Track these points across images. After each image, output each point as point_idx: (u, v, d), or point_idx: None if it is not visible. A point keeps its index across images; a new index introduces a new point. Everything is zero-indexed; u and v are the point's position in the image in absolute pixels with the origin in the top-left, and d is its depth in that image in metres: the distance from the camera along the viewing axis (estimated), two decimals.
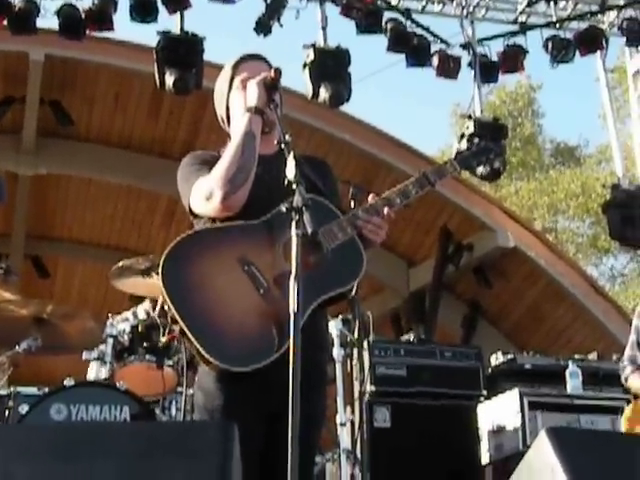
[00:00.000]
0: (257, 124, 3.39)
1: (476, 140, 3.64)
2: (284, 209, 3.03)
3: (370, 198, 3.55)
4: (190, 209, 3.46)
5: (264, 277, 3.24)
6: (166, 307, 3.22)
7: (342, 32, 9.72)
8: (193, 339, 3.12)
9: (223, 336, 3.16)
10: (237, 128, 3.41)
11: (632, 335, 5.77)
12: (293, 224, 3.00)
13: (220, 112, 3.69)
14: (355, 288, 4.49)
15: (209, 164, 3.45)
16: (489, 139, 3.67)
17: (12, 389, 5.28)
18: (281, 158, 3.26)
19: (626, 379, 5.73)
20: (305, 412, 2.83)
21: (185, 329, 3.13)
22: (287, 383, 2.83)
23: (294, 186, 3.08)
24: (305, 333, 2.92)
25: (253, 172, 3.34)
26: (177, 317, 3.14)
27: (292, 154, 3.17)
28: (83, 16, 8.70)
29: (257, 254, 3.29)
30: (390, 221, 3.47)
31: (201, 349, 3.11)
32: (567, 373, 6.67)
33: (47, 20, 8.76)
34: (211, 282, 3.24)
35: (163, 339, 5.68)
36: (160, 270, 3.20)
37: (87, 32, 8.81)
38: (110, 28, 8.86)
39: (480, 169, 9.31)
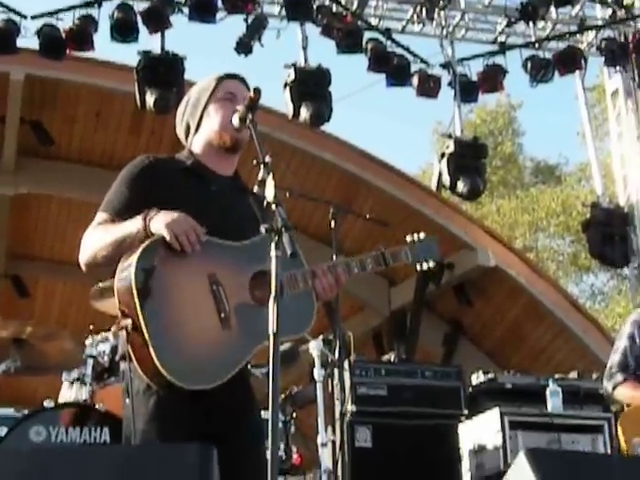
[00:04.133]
0: (139, 239, 3.26)
1: (421, 237, 3.88)
2: (263, 230, 3.03)
3: (334, 259, 3.70)
4: None
5: (228, 302, 3.24)
6: (124, 297, 3.18)
7: (322, 52, 9.77)
8: (148, 339, 3.09)
9: (176, 347, 3.14)
10: (133, 226, 3.29)
11: (624, 342, 5.40)
12: (272, 245, 3.01)
13: (190, 120, 3.64)
14: (337, 305, 4.59)
15: (135, 190, 3.42)
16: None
17: None
18: (236, 182, 3.56)
19: (615, 387, 5.34)
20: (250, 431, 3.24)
21: (143, 327, 3.10)
22: (227, 406, 3.21)
23: (273, 207, 3.08)
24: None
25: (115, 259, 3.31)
26: (137, 309, 3.12)
27: (272, 175, 3.17)
28: (63, 36, 8.74)
29: (226, 277, 3.27)
30: (341, 287, 3.57)
31: (153, 351, 3.09)
32: (547, 392, 6.67)
33: (27, 40, 8.77)
34: (179, 288, 3.22)
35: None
36: (135, 261, 3.17)
37: (67, 52, 8.83)
38: (90, 48, 8.90)
39: (460, 186, 9.32)
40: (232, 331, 3.22)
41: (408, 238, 3.89)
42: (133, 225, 3.29)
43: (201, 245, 3.26)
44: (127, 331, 3.15)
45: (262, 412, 3.48)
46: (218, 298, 3.23)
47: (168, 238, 3.20)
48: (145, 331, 3.10)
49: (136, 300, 3.13)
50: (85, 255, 3.43)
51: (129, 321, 3.14)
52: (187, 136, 3.68)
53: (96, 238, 3.40)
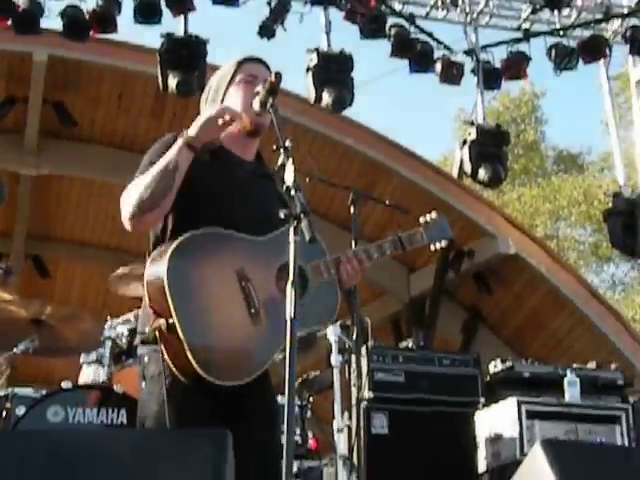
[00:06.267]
0: (186, 156, 3.35)
1: (433, 217, 4.02)
2: (282, 215, 3.03)
3: (353, 244, 3.76)
4: None
5: (257, 297, 3.27)
6: (156, 297, 3.18)
7: (345, 37, 9.73)
8: (184, 339, 3.10)
9: (211, 346, 3.16)
10: (170, 151, 3.37)
11: None
12: (291, 230, 3.00)
13: (211, 106, 3.63)
14: (356, 291, 4.63)
15: None
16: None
17: (9, 390, 5.26)
18: (257, 169, 3.58)
19: None
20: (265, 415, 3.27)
21: (178, 328, 3.11)
22: (241, 391, 3.18)
23: (292, 192, 3.07)
24: None
25: (168, 199, 3.32)
26: (172, 311, 3.12)
27: (291, 160, 3.16)
28: (87, 17, 8.72)
29: (254, 272, 3.31)
30: (363, 272, 3.63)
31: (187, 350, 3.10)
32: (565, 382, 6.64)
33: (51, 21, 8.78)
34: (209, 287, 3.24)
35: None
36: (167, 261, 3.17)
37: (91, 33, 8.82)
38: (114, 30, 8.88)
39: (482, 174, 9.28)
40: (262, 326, 3.25)
41: (421, 219, 3.96)
42: (171, 151, 3.35)
43: (226, 240, 3.32)
44: (160, 331, 3.16)
45: (279, 397, 3.50)
46: (247, 294, 3.26)
47: (210, 124, 3.37)
48: (181, 332, 3.11)
49: (170, 302, 3.14)
50: (129, 205, 3.33)
51: (162, 321, 3.15)
52: None
53: (136, 185, 3.37)
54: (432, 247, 3.97)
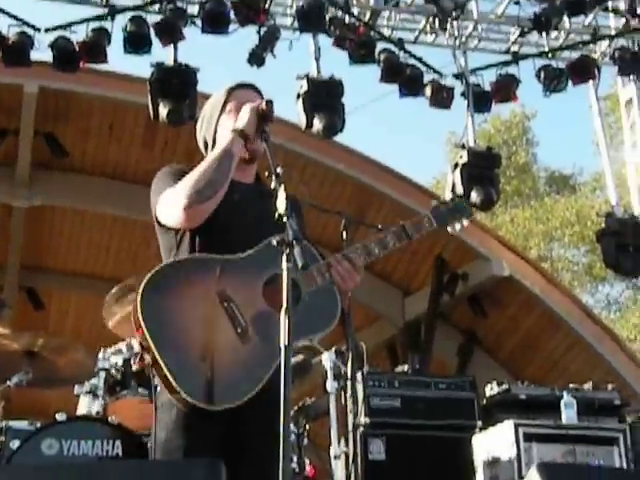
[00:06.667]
0: (238, 146, 3.42)
1: (450, 196, 3.82)
2: (274, 242, 3.02)
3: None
4: (157, 219, 3.47)
5: (242, 315, 3.23)
6: (139, 335, 3.16)
7: (335, 63, 9.76)
8: (165, 370, 3.09)
9: (196, 371, 3.13)
10: (218, 145, 3.43)
11: None
12: (284, 257, 2.99)
13: (206, 135, 3.68)
14: (351, 316, 4.57)
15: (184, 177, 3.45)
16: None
17: (3, 424, 5.21)
18: (257, 188, 3.54)
19: None
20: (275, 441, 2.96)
21: (158, 358, 3.10)
22: (249, 417, 3.13)
23: (284, 219, 3.07)
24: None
25: (222, 190, 3.34)
26: (152, 346, 3.10)
27: (283, 187, 3.16)
28: (77, 48, 8.73)
29: (237, 290, 3.27)
30: (360, 272, 3.51)
31: (172, 381, 3.08)
32: (562, 403, 6.61)
33: (41, 52, 8.79)
34: (189, 314, 3.21)
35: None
36: (139, 297, 3.16)
37: (81, 64, 8.84)
38: (104, 60, 8.89)
39: (474, 197, 9.27)
40: (252, 343, 3.21)
41: (433, 202, 3.83)
42: (220, 144, 3.42)
43: (203, 265, 3.30)
44: (151, 366, 3.14)
45: None
46: (231, 314, 3.22)
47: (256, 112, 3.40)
48: (162, 364, 3.09)
49: (147, 335, 3.12)
50: (182, 198, 3.31)
51: (148, 357, 3.13)
52: (206, 151, 3.70)
53: (181, 186, 3.36)
54: (449, 229, 3.80)
